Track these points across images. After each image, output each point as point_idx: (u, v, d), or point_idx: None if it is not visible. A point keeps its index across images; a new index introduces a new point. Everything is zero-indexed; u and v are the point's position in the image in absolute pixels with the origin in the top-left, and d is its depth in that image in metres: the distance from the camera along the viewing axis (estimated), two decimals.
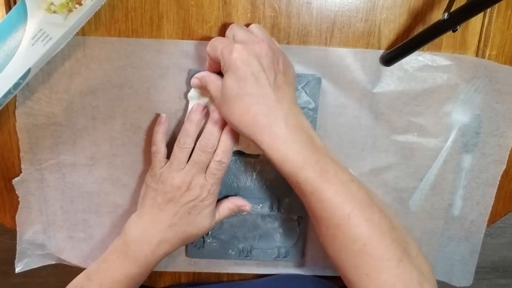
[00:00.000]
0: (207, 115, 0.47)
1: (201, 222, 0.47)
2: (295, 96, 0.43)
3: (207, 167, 0.46)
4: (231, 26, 0.44)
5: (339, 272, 0.41)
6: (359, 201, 0.40)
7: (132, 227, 0.47)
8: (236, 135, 0.47)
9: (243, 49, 0.40)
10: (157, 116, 0.49)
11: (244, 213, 0.53)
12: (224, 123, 0.46)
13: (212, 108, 0.47)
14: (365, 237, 0.39)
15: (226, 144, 0.46)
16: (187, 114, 0.47)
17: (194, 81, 0.46)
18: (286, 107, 0.41)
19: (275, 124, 0.40)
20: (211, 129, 0.46)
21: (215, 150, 0.46)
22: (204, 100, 0.48)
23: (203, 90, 0.46)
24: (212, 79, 0.44)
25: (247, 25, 0.45)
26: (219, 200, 0.50)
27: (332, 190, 0.39)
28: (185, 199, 0.46)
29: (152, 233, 0.46)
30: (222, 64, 0.42)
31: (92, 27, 0.47)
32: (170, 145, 0.48)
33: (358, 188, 0.41)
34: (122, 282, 0.46)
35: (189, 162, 0.46)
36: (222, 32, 0.47)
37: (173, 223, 0.46)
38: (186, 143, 0.46)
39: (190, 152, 0.46)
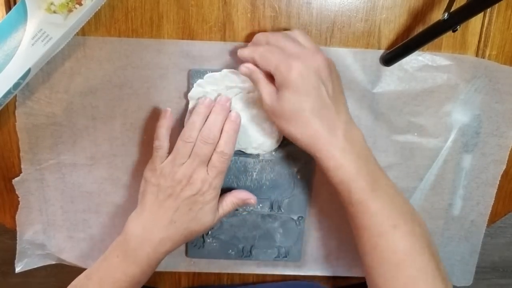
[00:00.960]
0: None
1: (204, 218, 0.46)
2: (347, 103, 0.44)
3: (209, 161, 0.46)
4: (274, 36, 0.43)
5: (372, 283, 0.42)
6: (404, 213, 0.42)
7: (132, 225, 0.46)
8: (239, 126, 0.46)
9: (302, 65, 0.41)
10: (160, 111, 0.48)
11: (249, 207, 0.52)
12: (226, 114, 0.46)
13: (218, 99, 0.46)
14: (407, 248, 0.40)
15: (228, 135, 0.45)
16: (191, 110, 0.47)
17: (243, 69, 0.45)
18: (344, 118, 0.42)
19: (334, 135, 0.41)
20: (214, 120, 0.45)
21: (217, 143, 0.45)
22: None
23: (252, 79, 0.45)
24: (265, 82, 0.43)
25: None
26: (221, 195, 0.49)
27: (380, 201, 0.41)
28: (186, 194, 0.45)
29: (153, 230, 0.46)
30: (277, 79, 0.42)
31: (92, 27, 0.47)
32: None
33: (404, 201, 0.43)
34: (123, 282, 0.45)
35: (190, 155, 0.45)
36: (222, 31, 0.47)
37: (174, 220, 0.45)
38: (191, 137, 0.45)
39: (193, 146, 0.45)
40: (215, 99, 0.47)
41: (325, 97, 0.41)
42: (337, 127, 0.42)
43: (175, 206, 0.45)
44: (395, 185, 0.44)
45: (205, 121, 0.46)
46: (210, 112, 0.46)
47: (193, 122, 0.45)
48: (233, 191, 0.50)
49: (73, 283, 0.47)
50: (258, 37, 0.45)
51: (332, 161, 0.41)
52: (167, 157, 0.46)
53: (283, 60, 0.41)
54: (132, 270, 0.45)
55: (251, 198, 0.50)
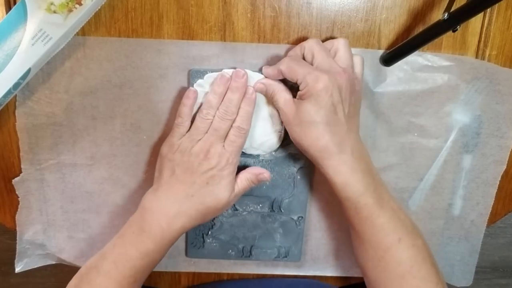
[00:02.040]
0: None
1: (220, 193, 0.46)
2: (359, 124, 0.46)
3: (226, 136, 0.46)
4: (311, 43, 0.44)
5: None
6: (407, 227, 0.44)
7: (148, 200, 0.46)
8: (255, 102, 0.47)
9: (328, 80, 0.42)
10: (185, 90, 0.47)
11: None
12: (243, 91, 0.46)
13: (233, 75, 0.46)
14: (412, 260, 0.43)
15: (245, 110, 0.46)
16: (211, 86, 0.47)
17: (259, 86, 0.46)
18: (353, 137, 0.44)
19: (343, 152, 0.43)
20: (231, 97, 0.46)
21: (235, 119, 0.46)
22: (199, 102, 0.47)
23: (268, 93, 0.47)
24: (280, 90, 0.45)
25: (326, 39, 0.46)
26: (236, 174, 0.48)
27: (386, 216, 0.43)
28: (203, 168, 0.45)
29: (168, 204, 0.45)
30: (302, 89, 0.43)
31: (92, 27, 0.47)
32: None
33: (405, 215, 0.45)
34: (137, 260, 0.45)
35: (208, 130, 0.46)
36: (222, 31, 0.47)
37: (191, 194, 0.45)
38: (209, 114, 0.46)
39: (210, 123, 0.46)
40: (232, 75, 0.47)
41: (341, 114, 0.43)
42: (347, 144, 0.43)
43: (192, 180, 0.45)
44: (396, 199, 0.45)
45: (222, 98, 0.46)
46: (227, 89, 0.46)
47: (210, 101, 0.46)
48: (247, 168, 0.50)
49: (87, 264, 0.46)
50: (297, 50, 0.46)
51: (340, 177, 0.43)
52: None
53: (311, 71, 0.42)
54: (146, 246, 0.45)
55: (263, 172, 0.49)
